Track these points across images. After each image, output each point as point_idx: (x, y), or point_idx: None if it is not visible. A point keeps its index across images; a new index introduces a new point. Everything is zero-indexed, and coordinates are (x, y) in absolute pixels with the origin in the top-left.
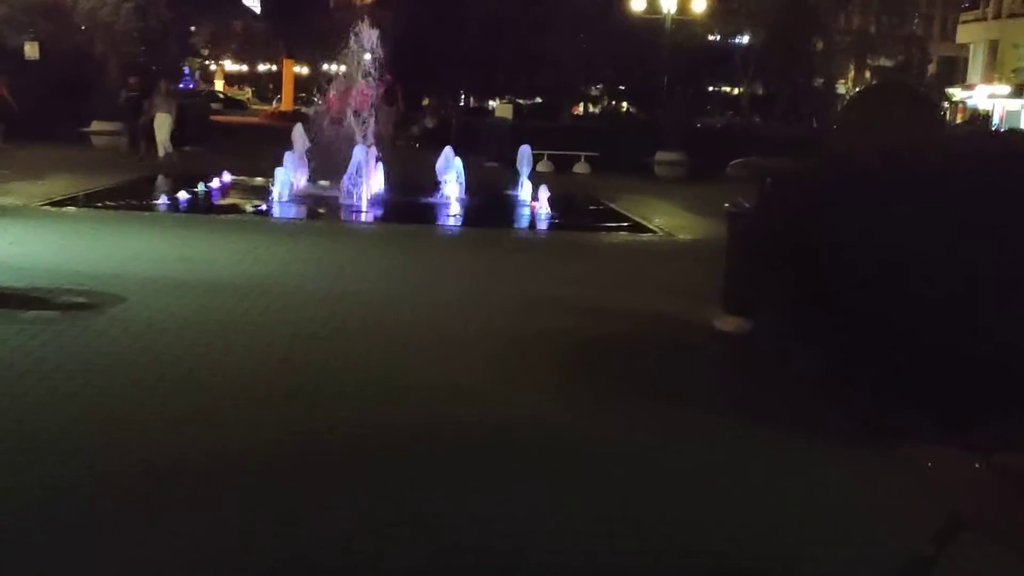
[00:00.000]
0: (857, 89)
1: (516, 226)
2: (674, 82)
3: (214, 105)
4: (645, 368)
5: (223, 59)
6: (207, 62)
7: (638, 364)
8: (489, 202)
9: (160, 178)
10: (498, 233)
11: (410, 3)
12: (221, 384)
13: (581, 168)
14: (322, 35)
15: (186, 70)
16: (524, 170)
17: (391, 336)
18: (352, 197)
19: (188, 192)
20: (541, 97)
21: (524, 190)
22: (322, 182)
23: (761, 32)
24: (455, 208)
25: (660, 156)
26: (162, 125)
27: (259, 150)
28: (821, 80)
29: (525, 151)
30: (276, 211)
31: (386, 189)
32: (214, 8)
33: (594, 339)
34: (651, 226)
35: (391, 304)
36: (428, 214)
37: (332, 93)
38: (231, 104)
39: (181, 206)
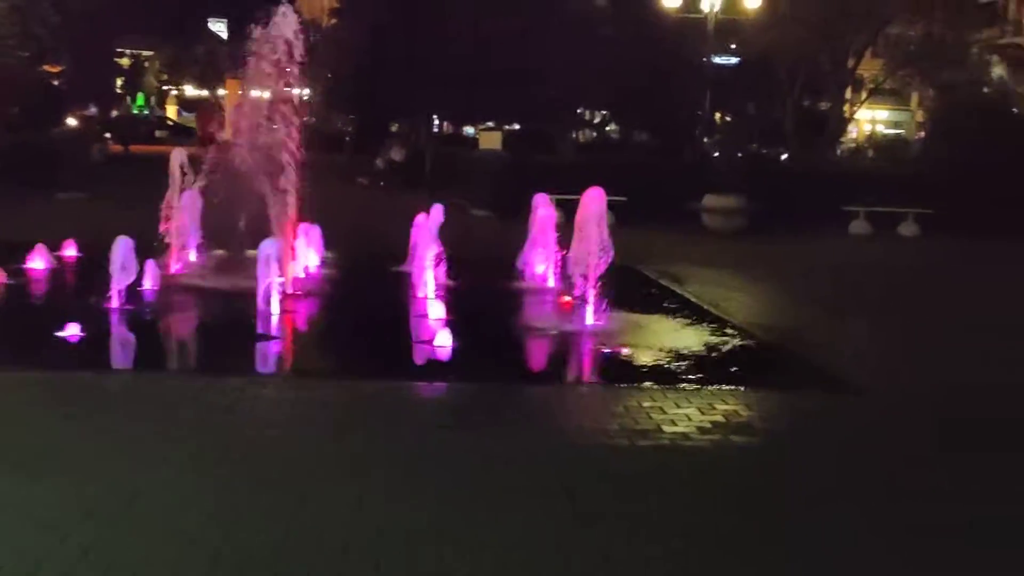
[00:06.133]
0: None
1: (550, 371)
2: (714, 104)
3: (159, 133)
4: None
5: (183, 84)
6: (164, 87)
7: None
8: (490, 296)
9: None
10: (528, 400)
11: (374, 13)
12: None
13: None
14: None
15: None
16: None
17: None
18: (263, 296)
19: None
20: (535, 122)
21: (543, 268)
22: (219, 251)
23: (809, 38)
24: (436, 310)
25: (711, 201)
26: None
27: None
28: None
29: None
30: (106, 338)
31: (327, 265)
32: (176, 33)
33: None
34: (781, 343)
35: None
36: (388, 333)
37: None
38: (179, 132)
39: None
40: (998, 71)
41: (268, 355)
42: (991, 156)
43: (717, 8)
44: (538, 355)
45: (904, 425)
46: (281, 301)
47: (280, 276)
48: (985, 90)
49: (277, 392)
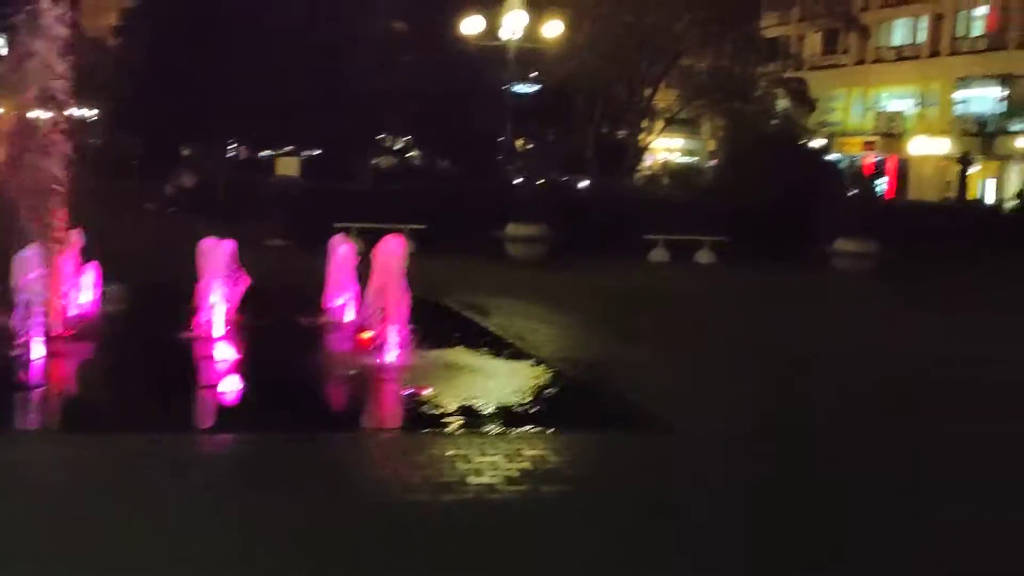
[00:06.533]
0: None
1: (346, 417)
2: (516, 131)
3: None
4: None
5: None
6: None
7: None
8: (285, 333)
9: None
10: (320, 452)
11: (163, 29)
12: None
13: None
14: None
15: None
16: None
17: None
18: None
19: None
20: (335, 148)
21: (341, 302)
22: None
23: (606, 68)
24: (223, 351)
25: (513, 230)
26: None
27: None
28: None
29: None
30: None
31: (105, 301)
32: None
33: None
34: (588, 379)
35: None
36: (169, 378)
37: None
38: None
39: None
40: (782, 103)
41: (27, 407)
42: (776, 184)
43: (517, 36)
44: (334, 399)
45: (711, 466)
46: (47, 343)
47: (46, 314)
48: (773, 122)
49: (33, 451)
